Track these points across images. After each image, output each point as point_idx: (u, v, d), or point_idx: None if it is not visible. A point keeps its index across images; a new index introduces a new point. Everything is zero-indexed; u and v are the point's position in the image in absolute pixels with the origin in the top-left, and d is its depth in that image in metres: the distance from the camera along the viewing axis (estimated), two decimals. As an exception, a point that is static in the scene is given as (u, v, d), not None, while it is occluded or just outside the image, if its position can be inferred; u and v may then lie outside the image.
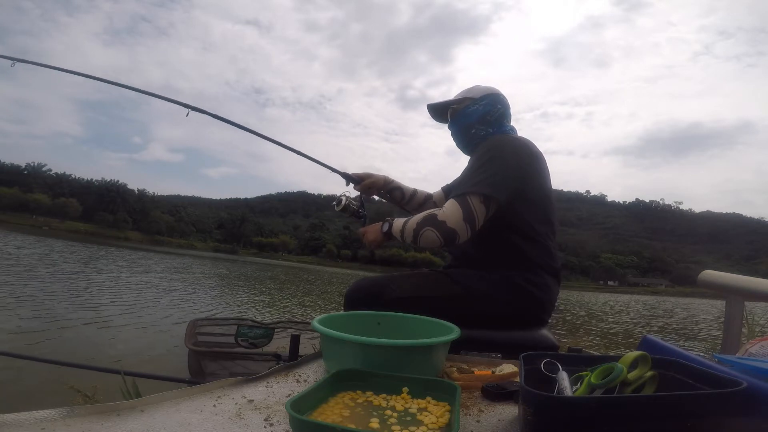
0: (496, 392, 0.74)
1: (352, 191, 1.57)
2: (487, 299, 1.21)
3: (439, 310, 1.10)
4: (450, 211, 1.15)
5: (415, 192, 1.66)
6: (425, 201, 1.65)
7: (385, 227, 1.29)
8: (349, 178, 1.58)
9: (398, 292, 1.22)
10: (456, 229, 1.13)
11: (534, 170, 1.26)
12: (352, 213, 1.52)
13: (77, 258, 17.16)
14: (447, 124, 1.46)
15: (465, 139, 1.40)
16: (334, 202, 1.52)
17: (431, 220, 1.16)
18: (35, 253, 16.26)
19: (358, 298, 1.24)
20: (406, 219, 1.26)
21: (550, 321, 1.31)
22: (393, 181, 1.65)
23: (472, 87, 1.42)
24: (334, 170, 1.61)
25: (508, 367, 0.85)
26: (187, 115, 1.43)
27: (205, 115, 1.52)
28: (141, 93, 1.51)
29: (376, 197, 1.69)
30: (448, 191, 1.61)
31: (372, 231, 1.34)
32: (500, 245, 1.25)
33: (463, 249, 1.32)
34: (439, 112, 1.47)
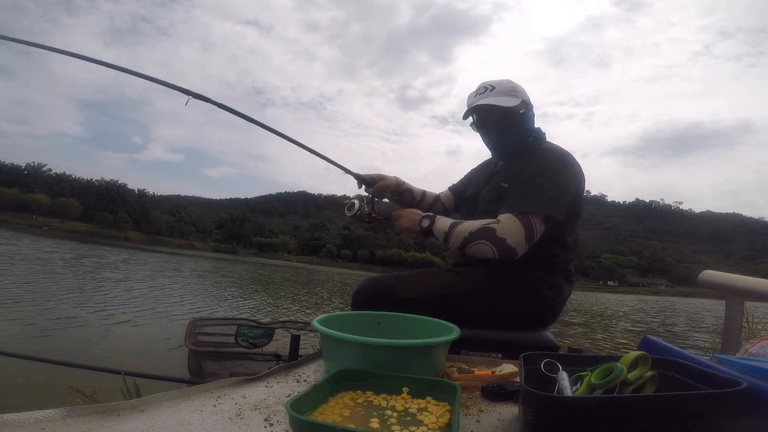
0: (496, 392, 0.74)
1: (363, 193, 1.50)
2: (500, 299, 1.20)
3: (449, 310, 1.09)
4: (511, 228, 1.11)
5: (424, 194, 1.64)
6: (434, 203, 1.63)
7: (426, 223, 1.23)
8: (362, 179, 1.50)
9: (406, 292, 1.21)
10: (516, 248, 1.10)
11: (582, 187, 1.25)
12: (365, 218, 1.44)
13: (105, 263, 17.15)
14: (485, 128, 1.35)
15: (516, 145, 1.32)
16: (346, 207, 1.44)
17: (488, 234, 1.12)
18: (66, 258, 16.38)
19: (365, 298, 1.23)
20: (453, 222, 1.20)
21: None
22: (404, 183, 1.60)
23: (507, 82, 1.30)
24: (347, 171, 1.54)
25: (508, 367, 0.85)
26: (186, 103, 1.31)
27: (208, 104, 1.31)
28: (137, 76, 1.34)
29: (386, 200, 1.63)
30: (455, 191, 1.60)
31: (407, 218, 1.28)
32: (531, 250, 1.17)
33: None
34: (485, 116, 1.33)
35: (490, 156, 1.48)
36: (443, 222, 1.22)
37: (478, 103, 1.28)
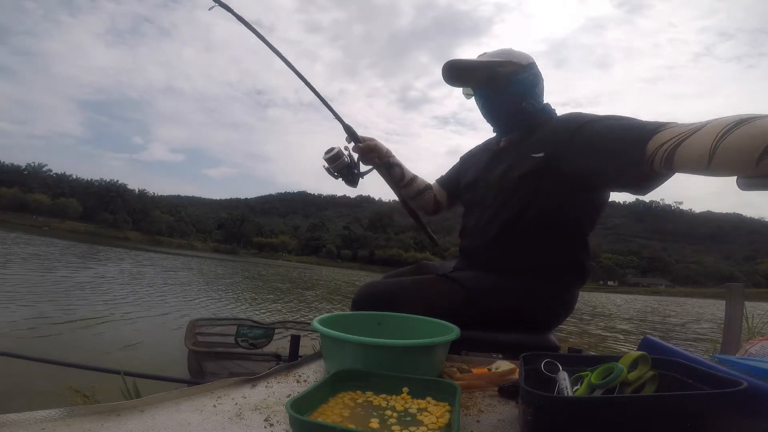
0: (514, 391, 0.73)
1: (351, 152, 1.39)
2: (502, 306, 1.17)
3: (453, 320, 1.03)
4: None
5: (415, 177, 1.50)
6: (425, 190, 1.51)
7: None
8: (352, 133, 1.36)
9: (409, 303, 1.16)
10: None
11: None
12: (344, 168, 1.31)
13: (151, 270, 16.69)
14: (473, 91, 1.25)
15: (511, 112, 1.20)
16: (325, 151, 1.32)
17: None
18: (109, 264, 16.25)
19: (366, 304, 1.20)
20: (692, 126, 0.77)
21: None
22: (395, 156, 1.46)
23: (507, 50, 1.20)
24: (338, 118, 1.39)
25: (504, 364, 0.85)
26: (211, 9, 1.27)
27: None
28: None
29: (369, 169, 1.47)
30: (446, 183, 1.52)
31: None
32: (554, 252, 1.12)
33: (488, 251, 1.22)
34: (467, 74, 1.21)
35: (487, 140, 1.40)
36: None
37: (455, 58, 1.19)
